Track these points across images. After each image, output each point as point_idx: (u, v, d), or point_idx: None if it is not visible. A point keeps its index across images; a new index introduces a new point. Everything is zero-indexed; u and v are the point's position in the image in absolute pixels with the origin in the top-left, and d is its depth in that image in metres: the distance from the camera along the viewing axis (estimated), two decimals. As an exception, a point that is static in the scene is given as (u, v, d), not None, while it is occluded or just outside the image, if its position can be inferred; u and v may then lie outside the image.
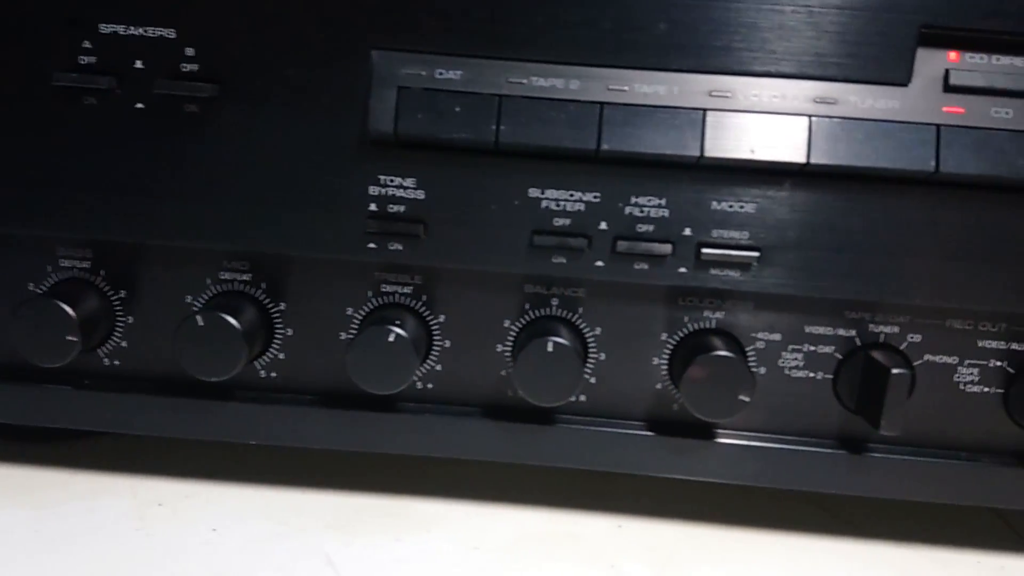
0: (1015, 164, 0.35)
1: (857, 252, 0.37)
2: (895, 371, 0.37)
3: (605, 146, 0.36)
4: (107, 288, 0.41)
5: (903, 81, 0.36)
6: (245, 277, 0.41)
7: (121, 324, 0.42)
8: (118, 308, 0.41)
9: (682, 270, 0.38)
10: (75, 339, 0.39)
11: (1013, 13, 0.35)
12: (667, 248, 0.38)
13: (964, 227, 0.36)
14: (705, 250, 0.38)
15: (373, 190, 0.38)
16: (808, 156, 0.36)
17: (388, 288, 0.40)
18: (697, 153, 0.36)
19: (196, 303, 0.41)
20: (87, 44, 0.37)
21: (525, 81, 0.36)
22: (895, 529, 0.44)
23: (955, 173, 0.35)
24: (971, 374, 0.39)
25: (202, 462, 0.45)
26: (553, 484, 0.46)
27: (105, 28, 0.37)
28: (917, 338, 0.39)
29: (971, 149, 0.35)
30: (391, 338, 0.37)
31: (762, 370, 0.40)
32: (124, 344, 0.42)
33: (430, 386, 0.41)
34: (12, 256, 0.41)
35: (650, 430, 0.41)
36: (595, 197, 0.38)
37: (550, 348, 0.37)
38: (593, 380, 0.41)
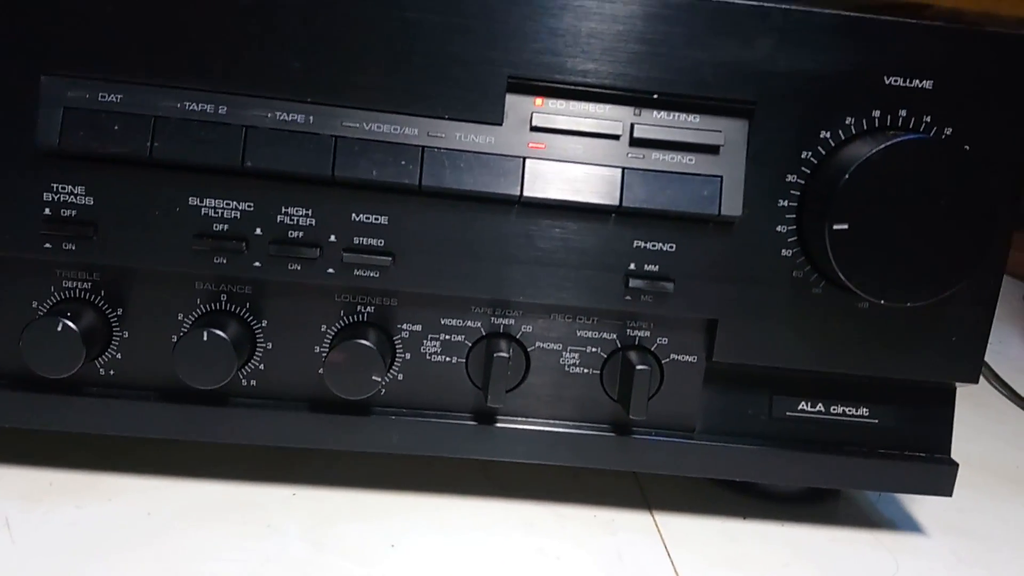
0: (582, 190, 0.44)
1: (470, 259, 0.45)
2: (499, 355, 0.45)
3: (249, 163, 0.43)
4: None
5: (497, 121, 0.44)
6: (-64, 272, 0.45)
7: None
8: None
9: (330, 271, 0.45)
10: None
11: (578, 69, 0.44)
12: (315, 252, 0.44)
13: (551, 239, 0.45)
14: (347, 255, 0.45)
15: (47, 196, 0.43)
16: (420, 180, 0.43)
17: (69, 284, 0.45)
18: (329, 173, 0.43)
19: None
20: None
21: (179, 105, 0.42)
22: (540, 489, 0.53)
23: (536, 197, 0.44)
24: (573, 358, 0.48)
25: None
26: (242, 459, 0.52)
27: None
28: (530, 328, 0.48)
29: (550, 178, 0.44)
30: (59, 328, 0.42)
31: (407, 355, 0.48)
32: None
33: (112, 372, 0.46)
34: None
35: (312, 409, 0.48)
36: (249, 206, 0.44)
37: (205, 338, 0.43)
38: (262, 367, 0.47)
